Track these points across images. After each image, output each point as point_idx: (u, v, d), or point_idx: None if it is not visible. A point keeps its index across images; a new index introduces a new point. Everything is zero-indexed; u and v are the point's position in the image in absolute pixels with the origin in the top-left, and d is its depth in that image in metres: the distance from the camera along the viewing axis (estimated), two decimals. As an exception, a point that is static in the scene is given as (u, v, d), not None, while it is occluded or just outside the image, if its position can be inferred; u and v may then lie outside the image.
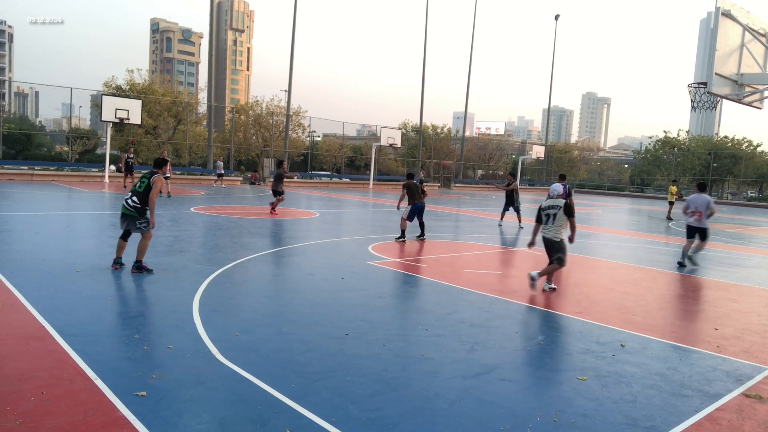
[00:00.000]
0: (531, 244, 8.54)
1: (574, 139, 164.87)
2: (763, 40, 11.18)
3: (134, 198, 7.83)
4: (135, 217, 7.83)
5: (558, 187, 8.40)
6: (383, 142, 39.86)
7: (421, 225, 13.29)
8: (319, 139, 56.24)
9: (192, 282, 7.56)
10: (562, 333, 6.30)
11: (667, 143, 59.08)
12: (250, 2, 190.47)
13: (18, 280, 7.05)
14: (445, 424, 3.87)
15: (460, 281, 8.77)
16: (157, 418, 3.68)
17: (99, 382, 4.17)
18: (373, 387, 4.41)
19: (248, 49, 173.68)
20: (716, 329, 6.77)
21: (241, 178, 37.11)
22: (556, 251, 8.10)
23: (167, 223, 13.37)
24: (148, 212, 7.91)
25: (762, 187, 57.20)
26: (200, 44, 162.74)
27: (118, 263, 8.08)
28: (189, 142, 38.20)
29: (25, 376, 4.21)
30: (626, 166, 75.74)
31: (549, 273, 8.22)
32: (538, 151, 50.80)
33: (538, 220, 8.36)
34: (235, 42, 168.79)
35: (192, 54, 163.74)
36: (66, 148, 41.99)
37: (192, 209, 17.12)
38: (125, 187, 23.62)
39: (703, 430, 4.03)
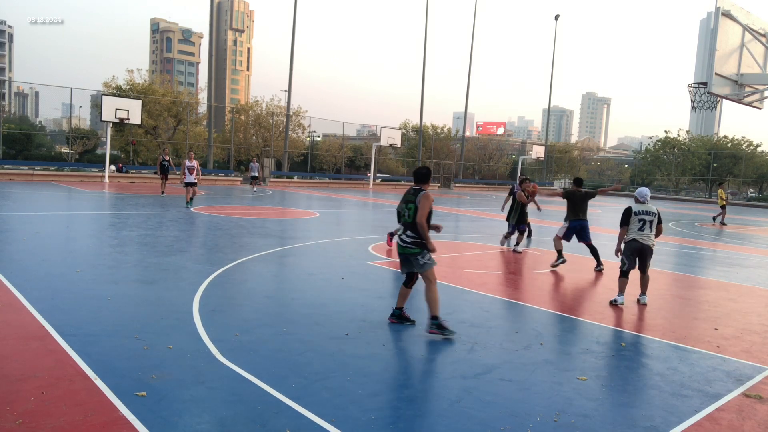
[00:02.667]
0: (619, 251, 7.95)
1: (574, 139, 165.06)
2: (763, 40, 11.18)
3: (409, 231, 5.97)
4: (416, 254, 5.96)
5: (647, 192, 8.07)
6: (383, 142, 39.85)
7: (592, 249, 10.49)
8: (319, 139, 56.24)
9: (192, 282, 7.56)
10: (562, 333, 6.30)
11: (667, 143, 59.09)
12: (250, 2, 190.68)
13: (18, 280, 7.05)
14: (445, 424, 3.87)
15: (460, 281, 8.77)
16: (157, 418, 3.68)
17: (99, 382, 4.17)
18: (373, 387, 4.41)
19: (248, 49, 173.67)
20: (716, 329, 6.77)
21: (241, 178, 37.10)
22: (649, 259, 7.83)
23: (167, 223, 13.38)
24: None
25: (762, 187, 57.18)
26: (200, 44, 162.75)
27: (396, 315, 6.27)
28: (189, 142, 38.19)
29: (25, 376, 4.21)
30: (626, 166, 75.76)
31: (646, 285, 7.97)
32: (538, 151, 50.84)
33: (625, 224, 7.82)
34: (235, 42, 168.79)
35: (192, 54, 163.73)
36: (66, 149, 41.98)
37: (192, 209, 17.12)
38: (163, 192, 22.18)
39: (703, 430, 4.03)
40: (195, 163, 18.29)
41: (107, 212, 15.64)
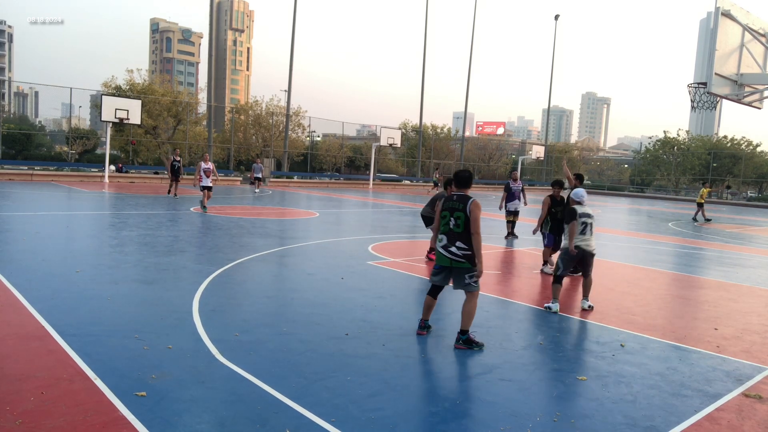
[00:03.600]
0: (576, 248, 7.28)
1: (574, 139, 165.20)
2: (763, 40, 11.18)
3: (459, 243, 5.47)
4: (465, 269, 5.50)
5: (583, 193, 7.59)
6: (383, 142, 39.85)
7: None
8: (319, 139, 56.25)
9: (192, 282, 7.56)
10: (561, 333, 6.30)
11: (667, 143, 59.12)
12: (250, 2, 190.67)
13: (18, 280, 7.05)
14: (445, 424, 3.87)
15: (460, 281, 8.76)
16: (157, 418, 3.68)
17: (99, 382, 4.17)
18: (373, 387, 4.41)
19: (248, 49, 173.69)
20: (716, 329, 6.77)
21: (241, 178, 37.10)
22: (591, 263, 7.41)
23: (167, 223, 13.38)
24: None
25: (762, 187, 57.19)
26: (200, 44, 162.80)
27: (425, 327, 5.91)
28: (189, 142, 38.20)
29: (25, 376, 4.21)
30: (626, 166, 75.81)
31: (588, 289, 7.49)
32: (538, 151, 50.82)
33: (569, 221, 7.32)
34: (235, 42, 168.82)
35: (192, 54, 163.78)
36: (66, 148, 41.98)
37: (192, 209, 17.11)
38: (171, 193, 21.16)
39: (703, 430, 4.03)
40: (211, 165, 17.29)
41: (107, 212, 15.64)
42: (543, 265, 9.89)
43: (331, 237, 13.13)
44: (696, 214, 25.12)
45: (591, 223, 7.39)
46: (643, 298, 8.27)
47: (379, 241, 12.49)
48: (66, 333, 5.21)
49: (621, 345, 5.92)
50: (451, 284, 5.76)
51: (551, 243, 9.78)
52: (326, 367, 4.77)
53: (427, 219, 10.35)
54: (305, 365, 4.78)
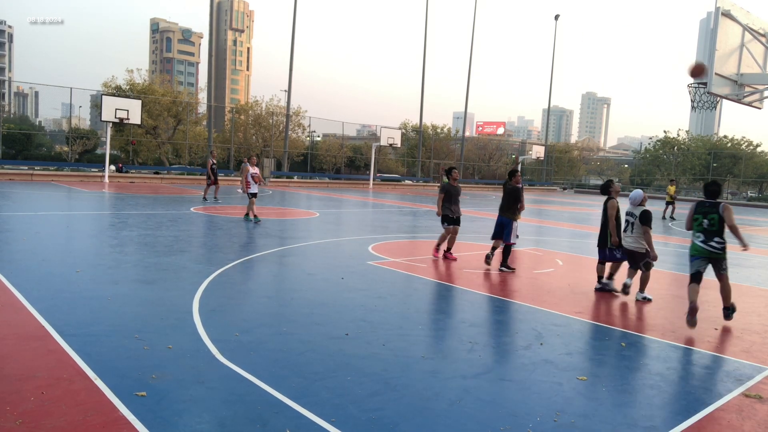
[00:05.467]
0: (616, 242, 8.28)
1: (574, 139, 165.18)
2: (763, 40, 11.17)
3: (717, 238, 6.79)
4: (722, 259, 6.86)
5: (638, 194, 7.98)
6: (383, 142, 39.86)
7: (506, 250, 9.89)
8: (319, 139, 56.25)
9: (192, 282, 7.56)
10: (562, 333, 6.29)
11: (667, 143, 59.16)
12: (250, 2, 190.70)
13: (18, 280, 7.05)
14: (445, 424, 3.87)
15: (460, 281, 8.77)
16: (157, 418, 3.68)
17: (99, 382, 4.17)
18: (373, 387, 4.41)
19: (248, 49, 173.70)
20: (716, 329, 6.77)
21: (241, 178, 37.11)
22: (639, 260, 8.04)
23: (167, 223, 13.38)
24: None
25: (762, 187, 57.20)
26: (200, 44, 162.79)
27: (694, 311, 6.56)
28: (189, 142, 38.21)
29: (25, 376, 4.21)
30: (626, 166, 75.88)
31: (644, 282, 8.07)
32: (538, 151, 50.87)
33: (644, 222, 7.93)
34: (235, 42, 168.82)
35: (192, 54, 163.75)
36: (66, 148, 41.99)
37: (192, 209, 17.12)
38: (205, 198, 20.34)
39: (703, 430, 4.03)
40: (257, 170, 15.50)
41: (107, 212, 15.64)
42: (608, 278, 8.57)
43: (331, 237, 13.13)
44: (665, 211, 25.26)
45: (631, 222, 8.05)
46: (643, 298, 8.26)
47: (379, 241, 12.49)
48: (66, 333, 5.21)
49: (621, 345, 5.93)
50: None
51: (615, 258, 8.40)
52: (326, 367, 4.78)
53: (448, 218, 10.57)
54: (305, 365, 4.78)
